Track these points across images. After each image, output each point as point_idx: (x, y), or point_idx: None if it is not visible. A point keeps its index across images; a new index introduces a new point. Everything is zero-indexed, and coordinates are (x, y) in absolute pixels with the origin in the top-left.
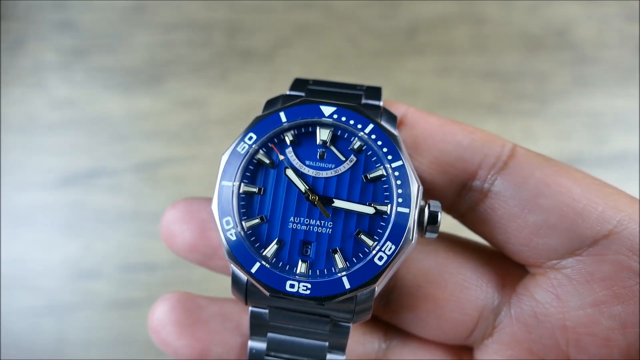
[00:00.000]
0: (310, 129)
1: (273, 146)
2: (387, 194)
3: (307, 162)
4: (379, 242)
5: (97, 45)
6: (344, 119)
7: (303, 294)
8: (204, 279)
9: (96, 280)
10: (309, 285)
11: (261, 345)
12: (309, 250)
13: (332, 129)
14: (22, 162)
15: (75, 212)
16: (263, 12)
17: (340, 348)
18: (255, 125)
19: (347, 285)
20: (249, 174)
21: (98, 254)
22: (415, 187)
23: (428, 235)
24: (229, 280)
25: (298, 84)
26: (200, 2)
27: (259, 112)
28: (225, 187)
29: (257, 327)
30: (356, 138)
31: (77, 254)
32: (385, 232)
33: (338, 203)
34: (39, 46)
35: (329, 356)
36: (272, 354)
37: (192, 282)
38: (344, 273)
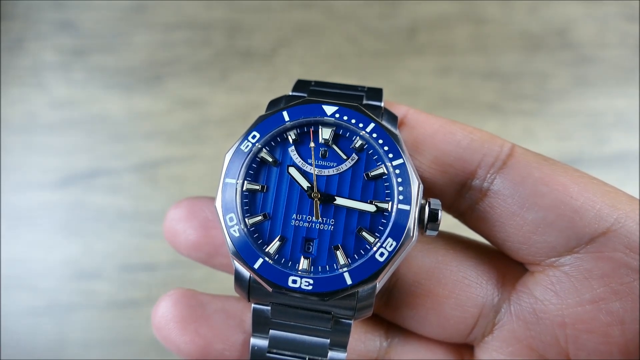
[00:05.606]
0: (312, 128)
1: (311, 131)
2: (388, 191)
3: (310, 161)
4: (380, 238)
5: (97, 45)
6: (345, 118)
7: (305, 289)
8: (204, 279)
9: (96, 280)
10: (311, 281)
11: (263, 342)
12: (311, 247)
13: (334, 128)
14: (22, 162)
15: (75, 212)
16: (263, 12)
17: (342, 345)
18: (259, 124)
19: (349, 281)
20: (252, 172)
21: (98, 254)
22: (415, 185)
23: (428, 232)
24: (229, 280)
25: (300, 85)
26: (200, 2)
27: (259, 112)
28: (229, 184)
29: (259, 324)
30: (357, 137)
31: (77, 254)
32: (387, 229)
33: (340, 201)
34: (39, 46)
35: (330, 354)
36: (274, 351)
37: (192, 282)
38: (345, 269)
